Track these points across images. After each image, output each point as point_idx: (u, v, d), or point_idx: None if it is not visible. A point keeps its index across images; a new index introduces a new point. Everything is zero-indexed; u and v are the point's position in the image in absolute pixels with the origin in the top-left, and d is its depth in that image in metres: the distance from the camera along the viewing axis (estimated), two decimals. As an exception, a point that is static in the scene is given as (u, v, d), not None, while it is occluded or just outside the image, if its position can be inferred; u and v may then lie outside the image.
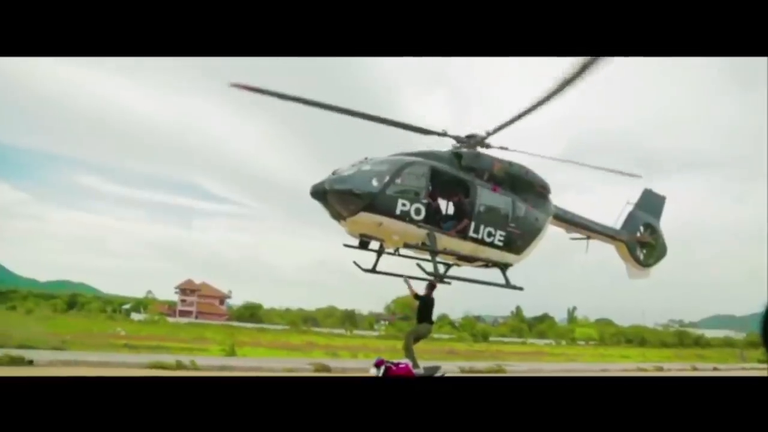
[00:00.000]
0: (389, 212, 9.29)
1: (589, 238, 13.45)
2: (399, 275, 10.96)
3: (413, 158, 10.00)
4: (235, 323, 58.02)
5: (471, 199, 10.40)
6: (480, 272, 11.31)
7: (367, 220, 9.30)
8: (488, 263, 10.97)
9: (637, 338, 66.71)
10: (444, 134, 10.65)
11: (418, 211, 9.53)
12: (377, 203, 9.18)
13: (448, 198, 11.10)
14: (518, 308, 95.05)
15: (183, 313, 68.70)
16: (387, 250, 10.85)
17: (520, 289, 10.93)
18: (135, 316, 72.45)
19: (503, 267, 11.00)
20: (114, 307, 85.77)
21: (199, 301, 73.11)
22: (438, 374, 10.47)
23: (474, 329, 75.76)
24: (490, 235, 10.46)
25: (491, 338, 67.44)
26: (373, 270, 10.82)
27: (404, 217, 9.42)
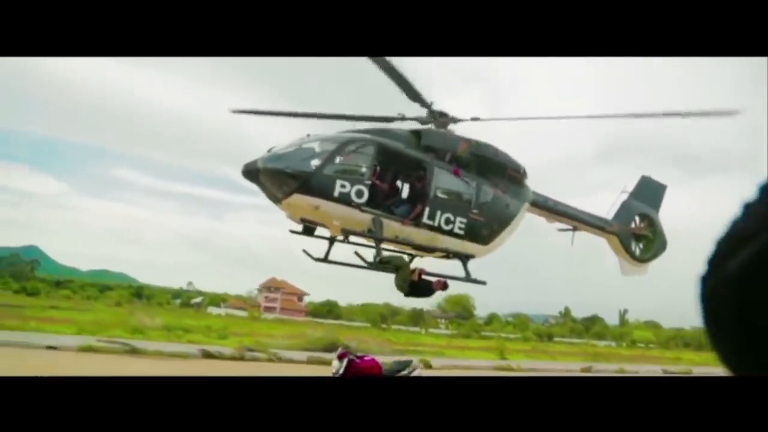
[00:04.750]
0: (326, 194, 8.56)
1: (575, 229, 12.25)
2: (353, 265, 9.98)
3: (358, 135, 9.15)
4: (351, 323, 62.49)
5: (426, 181, 9.43)
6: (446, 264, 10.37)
7: (301, 202, 8.63)
8: (448, 254, 9.93)
9: (694, 342, 69.03)
10: (402, 118, 9.88)
11: (359, 194, 8.72)
12: (312, 184, 8.49)
13: (400, 180, 10.12)
14: (566, 309, 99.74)
15: (267, 309, 73.33)
16: (338, 237, 9.86)
17: (483, 283, 9.97)
18: (213, 310, 76.84)
19: (464, 258, 9.90)
20: (183, 300, 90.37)
21: (282, 298, 78.05)
22: (409, 369, 9.39)
23: (531, 328, 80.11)
24: (448, 222, 9.50)
25: (555, 339, 71.11)
26: (325, 259, 9.94)
27: (344, 199, 8.65)
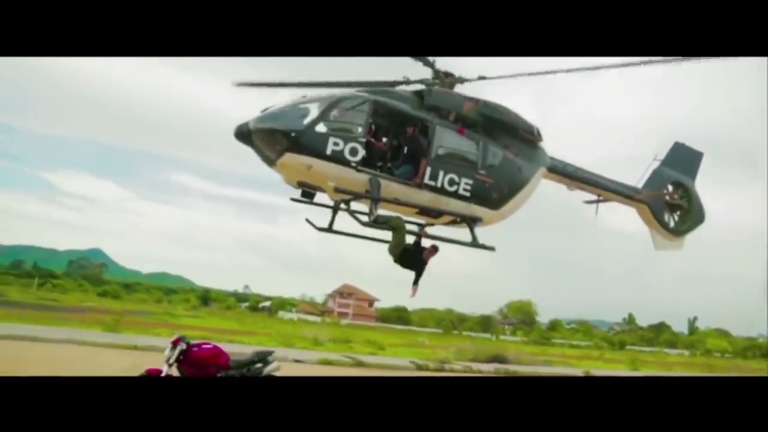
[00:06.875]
0: (318, 152, 8.31)
1: (600, 198, 11.67)
2: (357, 235, 9.62)
3: (353, 92, 8.88)
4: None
5: (428, 140, 9.05)
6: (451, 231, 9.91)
7: (293, 162, 8.43)
8: (456, 217, 9.48)
9: (773, 352, 67.60)
10: (407, 82, 9.54)
11: (354, 152, 8.43)
12: (303, 142, 8.26)
13: (400, 139, 9.57)
14: (631, 315, 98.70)
15: (340, 315, 75.59)
16: (341, 205, 9.35)
17: (492, 249, 9.52)
18: (284, 315, 79.02)
19: (471, 222, 9.46)
20: (251, 304, 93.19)
21: (354, 304, 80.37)
22: (270, 359, 8.16)
23: (597, 336, 79.84)
24: (452, 183, 9.13)
25: (627, 347, 70.47)
26: (329, 229, 9.53)
27: (337, 158, 8.38)
